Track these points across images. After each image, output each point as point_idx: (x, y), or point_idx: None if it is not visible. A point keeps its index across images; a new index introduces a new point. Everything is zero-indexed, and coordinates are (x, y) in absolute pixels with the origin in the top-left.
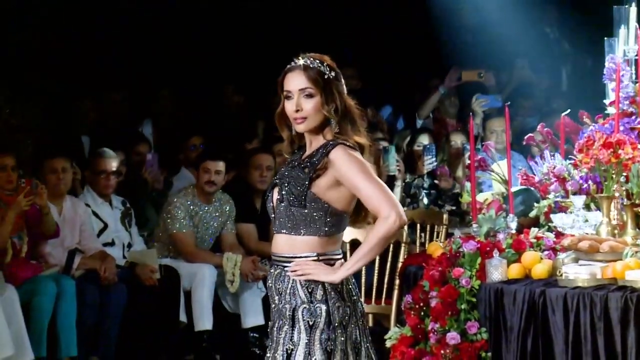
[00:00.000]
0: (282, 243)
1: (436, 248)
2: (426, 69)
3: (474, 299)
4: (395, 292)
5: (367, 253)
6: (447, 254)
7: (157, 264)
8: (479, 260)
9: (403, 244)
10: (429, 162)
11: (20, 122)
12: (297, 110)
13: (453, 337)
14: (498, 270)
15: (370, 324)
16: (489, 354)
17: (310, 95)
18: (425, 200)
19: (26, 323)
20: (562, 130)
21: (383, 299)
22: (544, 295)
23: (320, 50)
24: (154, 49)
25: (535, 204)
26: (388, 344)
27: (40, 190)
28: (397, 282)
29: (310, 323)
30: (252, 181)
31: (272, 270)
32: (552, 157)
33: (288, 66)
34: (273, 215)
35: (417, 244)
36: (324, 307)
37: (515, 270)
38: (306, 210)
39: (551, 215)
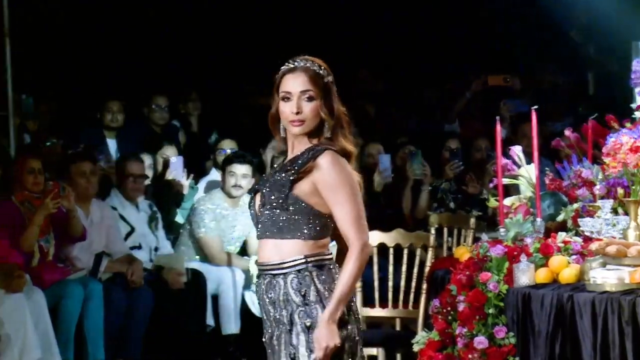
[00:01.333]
0: (269, 250)
1: (463, 252)
2: (453, 73)
3: (501, 304)
4: (423, 297)
5: (344, 293)
6: (475, 258)
7: (184, 268)
8: (506, 264)
9: (430, 248)
10: (455, 167)
11: (47, 126)
12: (297, 113)
13: (481, 341)
14: (526, 275)
15: (398, 328)
16: (517, 358)
17: (310, 98)
18: (452, 205)
19: (53, 326)
20: (589, 134)
21: (410, 304)
22: (572, 300)
23: (343, 52)
24: (184, 51)
25: (563, 208)
26: (415, 348)
27: (67, 193)
28: (424, 286)
29: (307, 324)
30: None
31: (260, 281)
32: (580, 162)
33: (286, 67)
34: (257, 222)
35: (445, 248)
36: (319, 308)
37: (542, 275)
38: (290, 214)
39: (579, 220)
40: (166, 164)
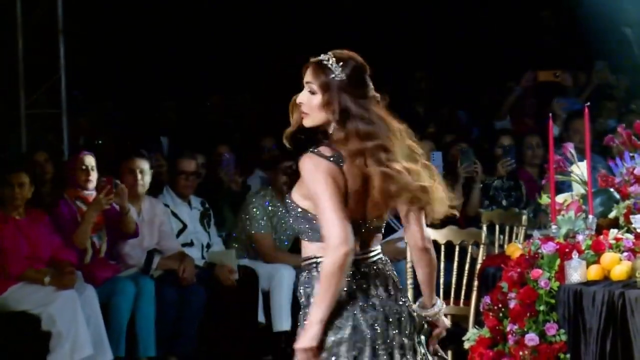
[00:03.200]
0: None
1: (515, 249)
2: (502, 70)
3: (552, 301)
4: (474, 294)
5: (317, 304)
6: (526, 255)
7: (235, 265)
8: (557, 261)
9: (482, 245)
10: (507, 164)
11: (101, 124)
12: (300, 104)
13: (532, 338)
14: (577, 272)
15: (449, 325)
16: (568, 355)
17: (312, 92)
18: (504, 202)
19: (105, 323)
20: None
21: (462, 300)
22: (623, 297)
23: (391, 50)
24: (239, 50)
25: (615, 205)
26: (466, 345)
27: (120, 190)
28: (475, 283)
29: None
30: None
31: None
32: (632, 159)
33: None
34: None
35: (496, 245)
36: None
37: (594, 272)
38: (293, 217)
39: (630, 217)
40: (218, 162)
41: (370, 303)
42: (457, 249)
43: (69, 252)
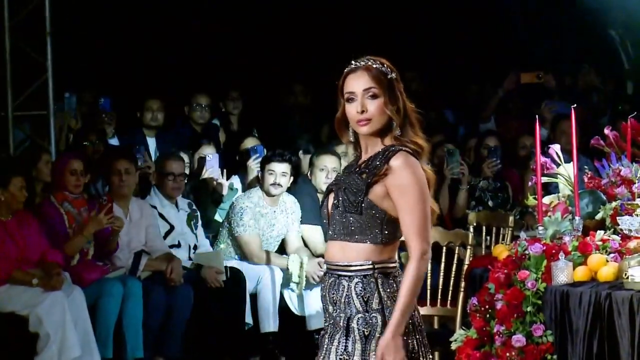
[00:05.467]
0: (336, 251)
1: (502, 250)
2: (485, 71)
3: (539, 302)
4: (461, 295)
5: (405, 305)
6: (513, 257)
7: (223, 266)
8: (544, 262)
9: (469, 247)
10: (493, 165)
11: (89, 125)
12: (363, 112)
13: (518, 339)
14: (564, 273)
15: (436, 326)
16: (555, 356)
17: (374, 96)
18: (491, 203)
19: (93, 324)
20: (628, 132)
21: (448, 302)
22: (610, 298)
23: (381, 51)
24: (225, 50)
25: (601, 207)
26: (453, 346)
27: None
28: (462, 284)
29: (366, 333)
30: (317, 183)
31: (326, 279)
32: (619, 160)
33: (348, 68)
34: (327, 222)
35: (483, 246)
36: (379, 317)
37: (581, 273)
38: (362, 218)
39: (617, 218)
40: (202, 162)
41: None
42: (444, 250)
43: (57, 254)
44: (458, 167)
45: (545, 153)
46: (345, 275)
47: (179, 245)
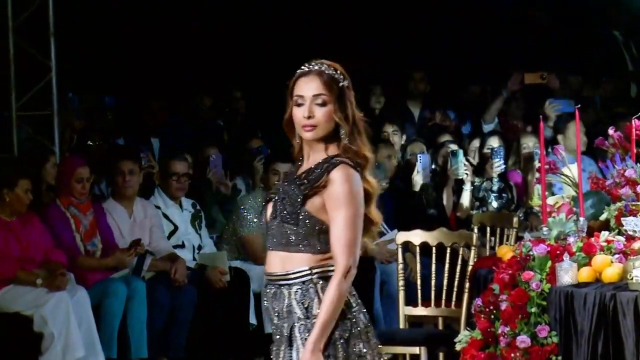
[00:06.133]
0: (276, 261)
1: (506, 251)
2: (489, 72)
3: (544, 303)
4: (465, 296)
5: (325, 321)
6: (517, 257)
7: (227, 266)
8: (549, 263)
9: (473, 247)
10: (497, 165)
11: (93, 125)
12: (309, 117)
13: (523, 340)
14: (568, 274)
15: (440, 327)
16: (560, 357)
17: (323, 103)
18: (495, 204)
19: (97, 325)
20: (632, 133)
21: (453, 302)
22: (615, 299)
23: (389, 51)
24: (229, 50)
25: (606, 207)
26: (458, 347)
27: (140, 249)
28: (467, 285)
29: (307, 339)
30: None
31: (267, 291)
32: (623, 161)
33: (300, 70)
34: (267, 233)
35: (487, 247)
36: None
37: (585, 274)
38: (300, 228)
39: (622, 219)
40: (206, 162)
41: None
42: (448, 251)
43: (61, 254)
44: (462, 168)
45: (549, 153)
46: (285, 284)
47: (183, 246)
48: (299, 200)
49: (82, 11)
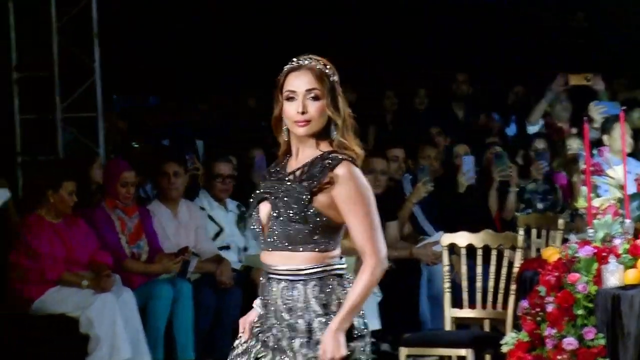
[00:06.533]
0: (277, 259)
1: (552, 253)
2: (534, 73)
3: (590, 305)
4: (512, 298)
5: (355, 304)
6: (563, 259)
7: None
8: (595, 265)
9: (519, 249)
10: (541, 167)
11: (138, 126)
12: (303, 113)
13: (570, 342)
14: (614, 276)
15: (487, 329)
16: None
17: (316, 97)
18: (540, 205)
19: (143, 326)
20: None
21: (499, 304)
22: None
23: (432, 53)
24: (275, 52)
25: None
26: (504, 349)
27: (187, 255)
28: (513, 287)
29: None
30: None
31: (269, 283)
32: None
33: (290, 65)
34: (261, 232)
35: (533, 249)
36: None
37: (632, 276)
38: (307, 227)
39: None
40: (251, 164)
41: None
42: (494, 253)
43: (106, 255)
44: (506, 170)
45: (594, 155)
46: (299, 280)
47: (228, 247)
48: (306, 198)
49: (125, 12)
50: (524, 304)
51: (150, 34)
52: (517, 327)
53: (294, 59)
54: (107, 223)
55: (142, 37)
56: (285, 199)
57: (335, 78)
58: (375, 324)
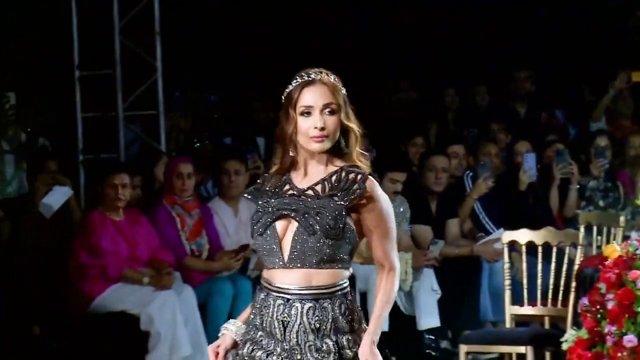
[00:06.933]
0: (300, 277)
1: (613, 250)
2: (597, 71)
3: None
4: (572, 295)
5: (385, 315)
6: (624, 257)
7: None
8: None
9: (579, 247)
10: (602, 164)
11: (199, 125)
12: (322, 128)
13: (630, 340)
14: None
15: (547, 326)
16: None
17: (332, 112)
18: (601, 203)
19: (203, 323)
20: None
21: (559, 302)
22: None
23: (492, 50)
24: (331, 49)
25: None
26: (565, 346)
27: (247, 254)
28: (573, 284)
29: (357, 351)
30: (427, 183)
31: (285, 304)
32: None
33: (303, 80)
34: (278, 248)
35: (594, 246)
36: (363, 334)
37: None
38: (339, 243)
39: None
40: None
41: None
42: (554, 250)
43: (167, 253)
44: (567, 167)
45: None
46: (326, 298)
47: None
48: (343, 213)
49: (187, 10)
50: (584, 301)
51: (212, 31)
52: (577, 324)
53: (303, 73)
54: (167, 220)
55: (203, 34)
56: (320, 213)
57: (344, 91)
58: (434, 321)
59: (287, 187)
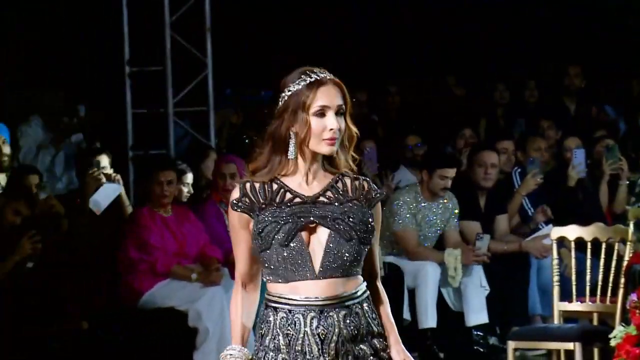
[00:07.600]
0: (329, 287)
1: None
2: None
3: None
4: (621, 291)
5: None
6: None
7: (380, 262)
8: None
9: (628, 243)
10: None
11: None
12: (338, 130)
13: None
14: None
15: (595, 322)
16: None
17: (343, 114)
18: None
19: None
20: None
21: (608, 298)
22: None
23: (539, 44)
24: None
25: None
26: (613, 342)
27: None
28: (622, 280)
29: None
30: (476, 179)
31: (320, 316)
32: None
33: (315, 79)
34: (310, 259)
35: None
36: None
37: None
38: (365, 247)
39: None
40: (360, 156)
41: None
42: (603, 246)
43: (216, 249)
44: (617, 163)
45: None
46: (355, 303)
47: None
48: (370, 219)
49: (238, 6)
50: (633, 297)
51: (263, 27)
52: (625, 320)
53: (308, 72)
54: (215, 216)
55: (254, 30)
56: (351, 220)
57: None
58: (483, 317)
59: (289, 195)
